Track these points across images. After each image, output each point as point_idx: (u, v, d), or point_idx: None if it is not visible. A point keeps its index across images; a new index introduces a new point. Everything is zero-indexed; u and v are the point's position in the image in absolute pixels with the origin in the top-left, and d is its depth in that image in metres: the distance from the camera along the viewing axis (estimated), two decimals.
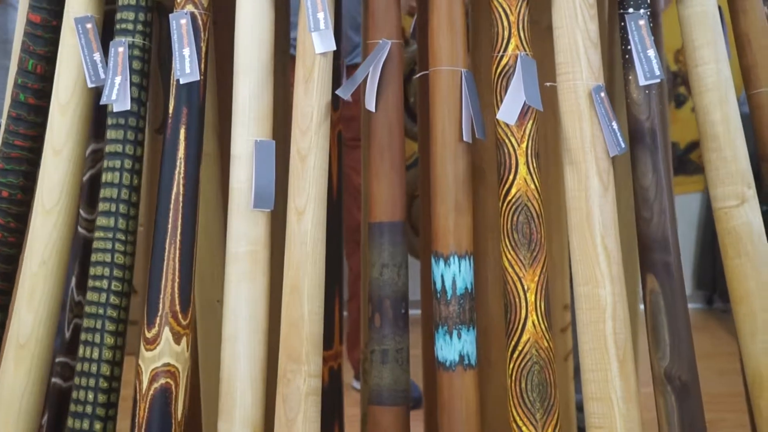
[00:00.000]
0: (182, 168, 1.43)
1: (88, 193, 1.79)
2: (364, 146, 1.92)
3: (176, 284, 1.41)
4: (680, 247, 1.45)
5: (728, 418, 3.04)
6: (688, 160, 5.12)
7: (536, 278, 1.40)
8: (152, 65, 1.60)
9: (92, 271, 1.48)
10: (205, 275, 1.70)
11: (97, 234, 1.50)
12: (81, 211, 1.78)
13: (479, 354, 1.43)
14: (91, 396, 1.43)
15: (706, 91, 1.47)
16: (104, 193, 1.50)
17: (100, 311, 1.46)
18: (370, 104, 1.44)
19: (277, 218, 1.49)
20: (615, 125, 1.42)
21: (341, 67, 1.93)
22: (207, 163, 1.66)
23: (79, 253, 1.86)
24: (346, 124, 2.36)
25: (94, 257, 1.49)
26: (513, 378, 1.40)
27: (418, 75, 1.73)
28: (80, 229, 1.83)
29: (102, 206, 1.48)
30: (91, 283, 1.49)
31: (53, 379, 1.97)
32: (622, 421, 1.38)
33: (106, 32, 1.59)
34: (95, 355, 1.45)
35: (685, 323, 1.43)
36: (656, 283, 1.43)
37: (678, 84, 5.06)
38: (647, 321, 1.45)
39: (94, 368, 1.44)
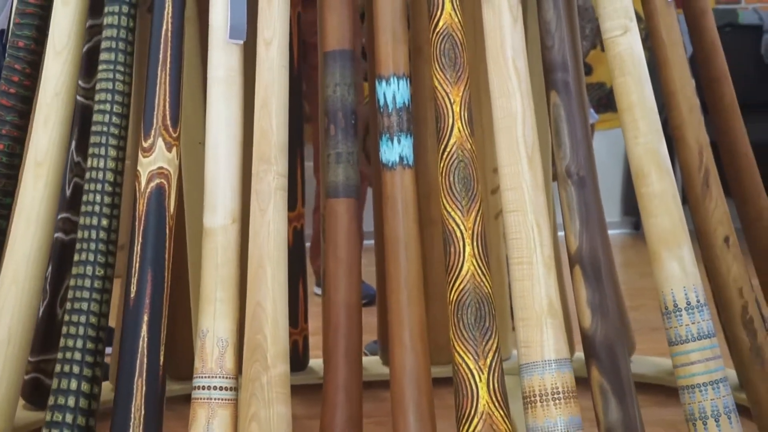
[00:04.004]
0: (170, 9, 1.66)
1: (86, 63, 2.01)
2: None
3: (167, 103, 1.64)
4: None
5: (648, 304, 3.33)
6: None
7: (461, 93, 1.65)
8: None
9: (97, 105, 1.71)
10: (189, 120, 1.93)
11: (99, 85, 1.73)
12: (79, 82, 1.99)
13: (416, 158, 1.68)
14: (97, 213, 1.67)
15: None
16: (103, 56, 1.73)
17: (102, 151, 1.69)
18: None
19: None
20: None
21: None
22: (188, 25, 1.89)
23: (78, 120, 2.08)
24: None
25: (97, 97, 1.72)
26: (443, 174, 1.64)
27: None
28: (79, 98, 2.05)
29: (102, 64, 1.72)
30: (94, 127, 1.72)
31: (55, 234, 2.18)
32: (531, 205, 1.63)
33: None
34: (99, 187, 1.69)
35: (582, 130, 1.68)
36: (557, 97, 1.68)
37: None
38: (551, 129, 1.70)
39: (98, 198, 1.68)
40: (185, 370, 2.08)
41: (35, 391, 2.26)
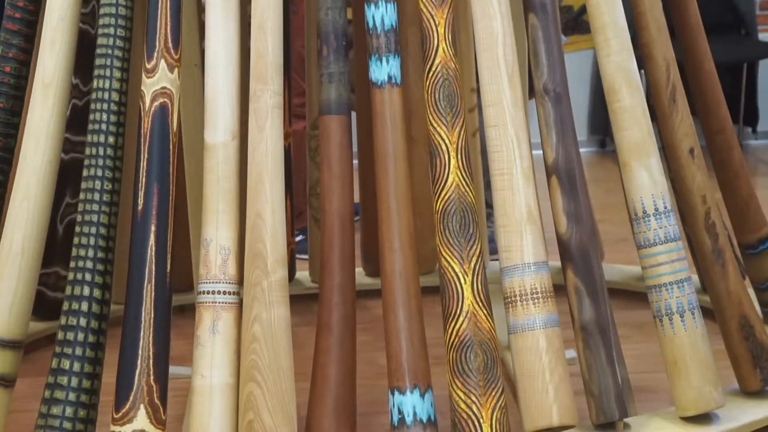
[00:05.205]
0: None
1: None
2: None
3: (168, 26, 1.71)
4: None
5: (614, 218, 3.45)
6: (582, 21, 5.46)
7: (445, 15, 1.72)
8: None
9: (101, 29, 1.78)
10: (183, 43, 2.00)
11: (102, 10, 1.79)
12: None
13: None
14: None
15: None
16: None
17: (107, 72, 1.76)
18: None
19: None
20: None
21: None
22: None
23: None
24: None
25: (101, 21, 1.79)
26: (429, 92, 1.73)
27: None
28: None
29: None
30: (99, 50, 1.78)
31: None
32: (511, 120, 1.71)
33: None
34: (105, 107, 1.76)
35: (558, 50, 1.77)
36: (535, 19, 1.76)
37: None
38: (529, 51, 1.79)
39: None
40: (178, 283, 2.18)
41: (38, 302, 2.34)
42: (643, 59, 1.89)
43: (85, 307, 1.68)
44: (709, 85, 2.09)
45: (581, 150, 1.94)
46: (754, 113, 5.40)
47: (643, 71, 1.87)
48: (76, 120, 2.19)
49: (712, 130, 2.11)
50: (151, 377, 1.62)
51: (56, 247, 2.35)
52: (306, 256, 2.82)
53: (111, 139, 1.74)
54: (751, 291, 2.03)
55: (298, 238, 3.06)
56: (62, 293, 2.22)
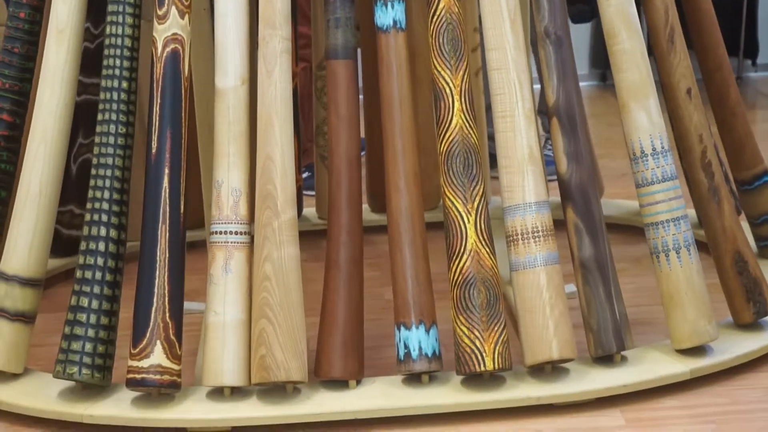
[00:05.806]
0: None
1: None
2: None
3: None
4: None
5: (615, 152, 3.47)
6: None
7: None
8: None
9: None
10: None
11: None
12: None
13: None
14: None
15: None
16: None
17: (119, 19, 1.78)
18: None
19: None
20: None
21: None
22: None
23: None
24: None
25: None
26: (433, 36, 1.76)
27: None
28: None
29: None
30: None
31: None
32: (513, 63, 1.75)
33: None
34: (118, 52, 1.79)
35: None
36: None
37: None
38: None
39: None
40: (190, 221, 2.23)
41: (53, 240, 2.39)
42: (641, 1, 1.91)
43: (102, 247, 1.73)
44: (707, 25, 2.11)
45: (582, 84, 1.97)
46: (754, 46, 5.39)
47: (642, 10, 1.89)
48: (88, 62, 2.21)
49: (709, 69, 2.14)
50: (167, 314, 1.68)
51: (70, 186, 2.39)
52: (313, 193, 2.86)
53: (124, 84, 1.77)
54: (746, 226, 2.08)
55: (304, 175, 3.10)
56: (77, 231, 2.28)
